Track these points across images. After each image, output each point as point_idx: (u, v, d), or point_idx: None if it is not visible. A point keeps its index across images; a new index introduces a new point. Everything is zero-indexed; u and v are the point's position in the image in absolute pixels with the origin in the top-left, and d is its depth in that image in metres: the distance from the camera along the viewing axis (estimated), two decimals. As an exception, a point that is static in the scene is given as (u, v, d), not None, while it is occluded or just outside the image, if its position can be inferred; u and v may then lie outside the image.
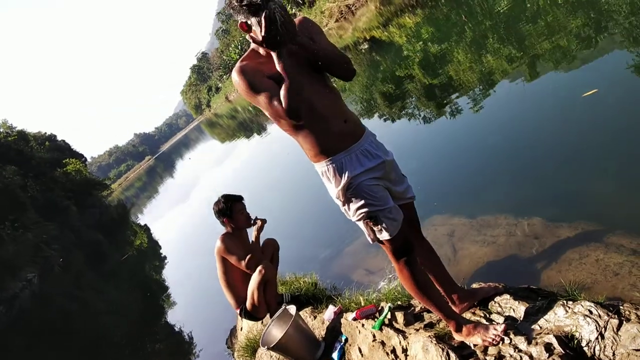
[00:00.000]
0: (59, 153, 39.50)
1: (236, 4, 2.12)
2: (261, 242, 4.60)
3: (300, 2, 38.69)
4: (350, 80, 2.49)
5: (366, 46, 24.61)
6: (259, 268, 4.21)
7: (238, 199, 4.44)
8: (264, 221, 4.49)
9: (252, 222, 4.46)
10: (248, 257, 4.26)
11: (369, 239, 2.54)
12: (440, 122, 9.46)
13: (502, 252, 4.39)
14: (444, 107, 9.98)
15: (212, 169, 39.74)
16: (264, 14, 2.05)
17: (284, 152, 16.97)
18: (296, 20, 2.43)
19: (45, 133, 43.32)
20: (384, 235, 2.45)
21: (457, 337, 2.63)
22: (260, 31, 2.10)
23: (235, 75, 2.27)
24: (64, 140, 44.93)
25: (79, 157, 43.23)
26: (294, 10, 39.12)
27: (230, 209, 4.31)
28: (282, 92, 2.17)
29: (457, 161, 7.46)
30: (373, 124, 12.55)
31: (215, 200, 4.41)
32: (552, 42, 8.87)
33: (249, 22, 2.15)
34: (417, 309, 3.20)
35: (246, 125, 44.76)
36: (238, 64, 2.29)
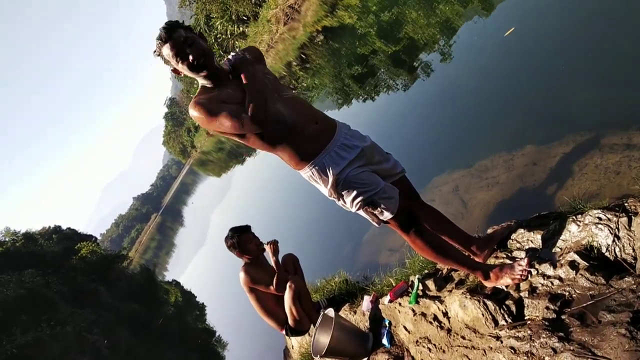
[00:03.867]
0: (69, 241, 39.46)
1: (157, 54, 2.33)
2: (280, 260, 4.61)
3: (245, 18, 38.55)
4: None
5: (321, 37, 24.59)
6: (288, 284, 4.25)
7: (245, 229, 4.46)
8: (274, 242, 4.46)
9: (262, 249, 4.44)
10: (275, 281, 4.30)
11: (374, 224, 2.58)
12: (415, 85, 9.50)
13: (507, 189, 4.44)
14: (415, 69, 10.02)
15: (218, 204, 39.81)
16: (169, 44, 2.28)
17: (274, 166, 17.06)
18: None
19: (50, 227, 43.39)
20: (386, 215, 2.50)
21: (488, 285, 2.68)
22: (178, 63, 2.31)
23: (192, 111, 2.33)
24: (69, 228, 44.92)
25: (89, 238, 43.17)
26: (240, 28, 38.98)
27: (239, 241, 4.33)
28: (249, 96, 2.29)
29: (440, 119, 7.52)
30: (352, 109, 12.59)
31: (224, 236, 4.43)
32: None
33: (176, 67, 2.34)
34: (444, 271, 3.24)
35: (235, 152, 44.83)
36: (192, 102, 2.36)
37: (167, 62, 2.34)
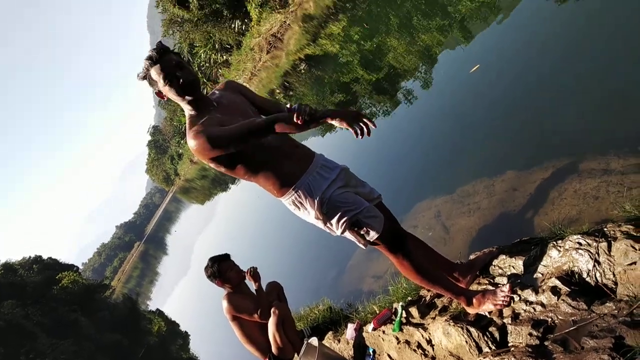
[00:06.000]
0: (50, 271, 38.80)
1: (141, 77, 2.35)
2: (263, 287, 4.56)
3: (228, 46, 38.78)
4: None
5: (304, 66, 24.78)
6: (272, 310, 4.21)
7: (224, 258, 4.39)
8: (253, 269, 4.39)
9: (243, 276, 4.38)
10: (259, 309, 4.25)
11: (361, 245, 2.57)
12: (396, 112, 9.59)
13: (488, 215, 4.46)
14: (395, 97, 10.13)
15: (201, 232, 39.51)
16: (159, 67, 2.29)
17: (257, 195, 17.05)
18: (221, 84, 2.61)
19: (30, 257, 42.72)
20: (372, 235, 2.49)
21: (471, 311, 2.67)
22: (166, 85, 2.31)
23: (193, 142, 2.24)
24: (50, 258, 44.23)
25: (71, 268, 42.47)
26: (224, 56, 39.15)
27: (219, 270, 4.27)
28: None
29: (421, 145, 7.60)
30: (333, 138, 12.66)
31: (204, 266, 4.37)
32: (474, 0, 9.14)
33: (161, 90, 2.35)
34: (427, 298, 3.23)
35: (219, 180, 44.68)
36: (189, 132, 2.28)
37: (153, 83, 2.33)
